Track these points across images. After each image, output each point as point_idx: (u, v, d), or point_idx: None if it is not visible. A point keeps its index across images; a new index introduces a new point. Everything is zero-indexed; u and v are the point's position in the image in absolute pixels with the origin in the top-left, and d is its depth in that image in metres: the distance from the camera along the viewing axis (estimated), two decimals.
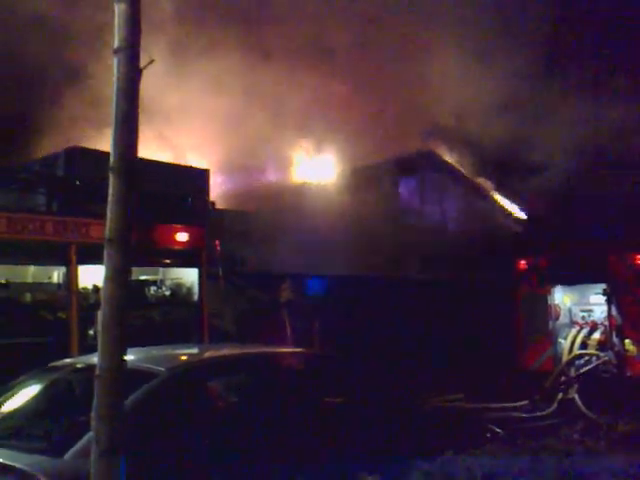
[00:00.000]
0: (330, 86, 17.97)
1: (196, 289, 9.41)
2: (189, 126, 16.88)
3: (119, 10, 2.96)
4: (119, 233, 2.92)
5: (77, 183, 9.13)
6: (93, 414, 2.96)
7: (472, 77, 18.38)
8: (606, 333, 10.69)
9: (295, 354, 6.29)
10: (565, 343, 11.02)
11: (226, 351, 6.34)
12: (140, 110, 2.97)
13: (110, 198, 2.95)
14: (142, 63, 2.97)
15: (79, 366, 5.35)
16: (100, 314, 2.99)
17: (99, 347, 2.99)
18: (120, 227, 2.91)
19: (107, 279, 2.97)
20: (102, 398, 2.94)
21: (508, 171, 20.69)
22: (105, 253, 3.00)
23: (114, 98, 2.95)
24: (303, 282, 13.39)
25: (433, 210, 20.49)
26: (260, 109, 17.60)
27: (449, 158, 21.34)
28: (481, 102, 18.60)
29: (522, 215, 22.41)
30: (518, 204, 22.64)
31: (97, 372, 2.97)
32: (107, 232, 2.97)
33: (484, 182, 21.54)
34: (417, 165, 20.06)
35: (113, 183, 2.94)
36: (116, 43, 2.96)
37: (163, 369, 4.78)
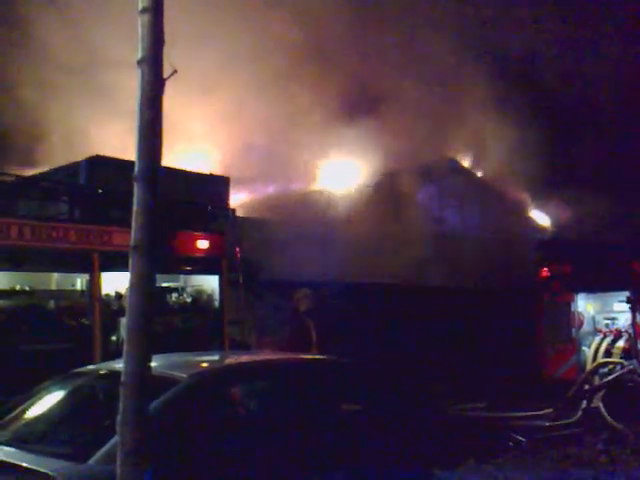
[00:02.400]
0: (352, 93, 18.00)
1: (217, 296, 9.46)
2: (209, 133, 17.00)
3: (142, 21, 3.00)
4: (144, 240, 2.95)
5: (99, 191, 9.23)
6: (118, 419, 2.98)
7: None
8: (630, 341, 10.56)
9: (316, 361, 6.29)
10: (589, 351, 10.91)
11: (247, 358, 6.35)
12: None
13: (135, 207, 2.99)
14: (165, 73, 3.01)
15: (102, 372, 5.39)
16: (125, 321, 3.02)
17: (124, 353, 3.02)
18: (145, 235, 2.95)
19: (132, 286, 3.00)
20: (127, 404, 2.96)
21: (534, 180, 20.63)
22: (130, 260, 3.03)
23: (138, 108, 2.99)
24: (323, 290, 13.38)
25: (454, 217, 20.41)
26: (282, 117, 17.67)
27: (470, 165, 21.28)
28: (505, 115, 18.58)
29: (546, 222, 22.28)
30: (543, 212, 22.51)
31: (122, 378, 3.00)
32: (132, 240, 3.01)
33: (507, 190, 21.44)
34: (437, 172, 20.01)
35: (138, 192, 2.97)
36: (139, 54, 3.00)
37: (185, 375, 4.80)
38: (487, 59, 19.37)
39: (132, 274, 3.02)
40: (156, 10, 2.96)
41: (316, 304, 9.54)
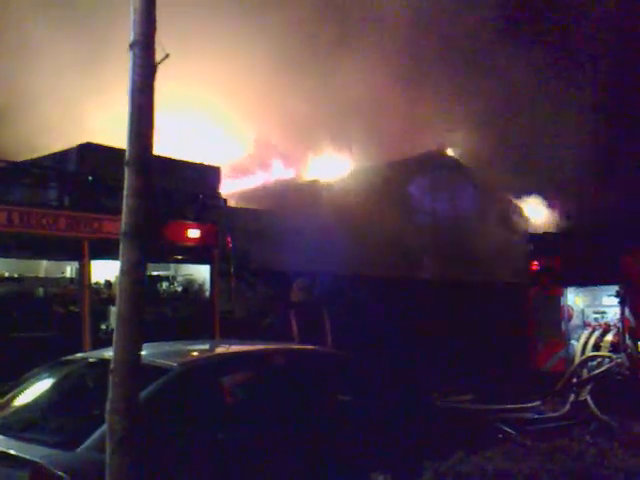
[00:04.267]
0: (344, 85, 17.98)
1: (207, 285, 9.43)
2: (201, 122, 16.94)
3: (135, 5, 2.95)
4: (135, 227, 2.91)
5: (90, 178, 9.15)
6: (108, 407, 2.96)
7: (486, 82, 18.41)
8: (619, 335, 10.61)
9: (306, 351, 6.28)
10: (577, 345, 10.95)
11: (237, 347, 6.34)
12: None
13: (126, 192, 2.95)
14: (157, 58, 2.96)
15: (92, 360, 5.36)
16: (115, 308, 2.98)
17: (114, 340, 2.99)
18: (136, 221, 2.91)
19: (123, 273, 2.97)
20: (117, 391, 2.94)
21: (523, 171, 20.67)
22: (121, 247, 3.00)
23: (129, 93, 2.95)
24: (314, 280, 13.35)
25: (444, 210, 20.43)
26: (276, 107, 17.63)
27: (461, 158, 21.30)
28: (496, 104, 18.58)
29: (537, 216, 22.34)
30: (533, 205, 22.58)
31: (112, 365, 2.97)
32: (123, 226, 2.97)
33: (499, 182, 21.46)
34: (429, 164, 20.01)
35: (129, 178, 2.93)
36: (131, 38, 2.96)
37: (175, 364, 4.78)
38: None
39: (122, 260, 2.99)
40: None
41: (309, 295, 9.54)
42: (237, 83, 17.34)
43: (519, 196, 22.27)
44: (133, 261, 2.95)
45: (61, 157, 11.63)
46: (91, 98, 15.72)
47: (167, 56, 2.95)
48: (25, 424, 4.66)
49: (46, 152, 12.10)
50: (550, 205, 21.82)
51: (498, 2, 19.86)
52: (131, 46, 2.95)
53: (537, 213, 22.48)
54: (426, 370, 11.07)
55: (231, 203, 14.55)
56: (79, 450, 3.92)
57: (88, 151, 11.46)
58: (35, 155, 12.23)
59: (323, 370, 5.71)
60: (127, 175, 2.95)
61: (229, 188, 15.95)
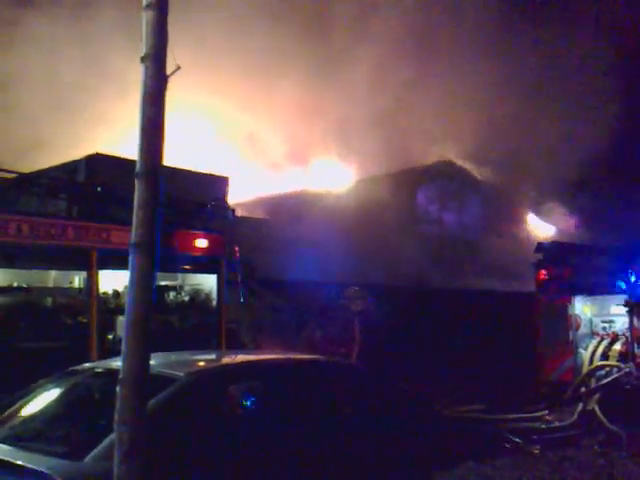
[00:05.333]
0: (350, 95, 18.02)
1: (215, 295, 9.44)
2: (208, 131, 17.01)
3: (147, 18, 2.98)
4: (144, 238, 2.92)
5: (98, 189, 9.20)
6: (116, 417, 2.96)
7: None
8: (627, 344, 10.55)
9: (314, 362, 6.27)
10: (585, 354, 10.89)
11: (244, 357, 6.33)
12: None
13: (136, 203, 2.96)
14: (168, 70, 2.99)
15: (99, 370, 5.36)
16: (123, 318, 2.99)
17: (122, 351, 2.99)
18: (145, 232, 2.92)
19: (132, 283, 2.98)
20: (125, 402, 2.94)
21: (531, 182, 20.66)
22: (130, 258, 3.01)
23: (140, 104, 2.97)
24: (321, 290, 13.36)
25: (452, 219, 20.41)
26: (281, 119, 17.69)
27: (469, 167, 21.30)
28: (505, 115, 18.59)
29: (545, 225, 22.30)
30: (541, 214, 22.54)
31: (120, 376, 2.97)
32: (132, 237, 2.98)
33: (505, 192, 21.45)
34: (436, 174, 20.02)
35: (139, 188, 2.95)
36: (143, 50, 2.98)
37: (182, 374, 4.78)
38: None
39: (132, 271, 3.00)
40: (160, 7, 2.94)
41: (369, 305, 9.64)
42: (244, 94, 17.42)
43: (527, 205, 22.24)
44: (142, 272, 2.96)
45: (69, 168, 11.70)
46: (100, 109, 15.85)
47: (178, 68, 2.97)
48: (33, 434, 4.66)
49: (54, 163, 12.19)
50: (559, 214, 21.78)
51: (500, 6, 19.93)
52: (142, 59, 2.98)
53: (545, 222, 22.43)
54: (435, 379, 11.05)
55: (238, 213, 14.59)
56: (86, 460, 3.92)
57: (96, 162, 11.52)
58: (43, 167, 12.31)
59: (330, 380, 5.70)
60: (137, 186, 2.97)
61: (237, 198, 15.98)
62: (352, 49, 17.88)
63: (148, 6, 2.94)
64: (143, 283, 2.96)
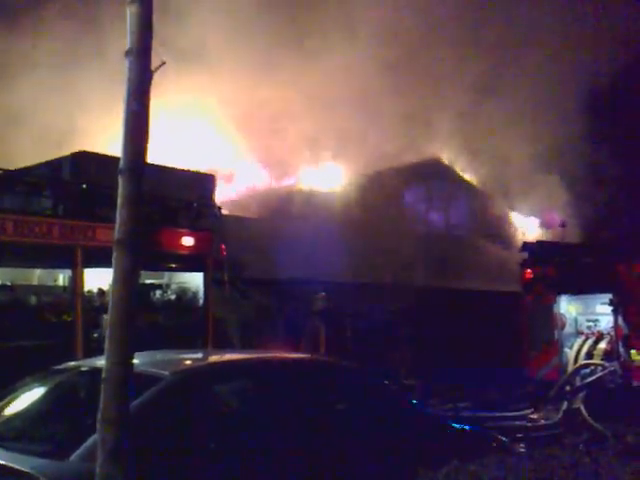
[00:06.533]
0: (338, 93, 18.02)
1: (201, 294, 9.40)
2: (197, 129, 16.95)
3: (131, 12, 2.95)
4: (128, 235, 2.90)
5: (83, 187, 9.13)
6: (99, 417, 2.93)
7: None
8: (612, 343, 10.63)
9: (299, 360, 6.26)
10: (571, 353, 10.96)
11: (231, 356, 6.31)
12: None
13: (120, 200, 2.93)
14: (153, 65, 2.96)
15: (83, 369, 5.32)
16: (107, 316, 2.96)
17: (106, 349, 2.97)
18: (129, 229, 2.89)
19: (116, 281, 2.95)
20: (108, 401, 2.91)
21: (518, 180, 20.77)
22: (114, 255, 2.98)
23: (125, 100, 2.94)
24: (310, 289, 13.36)
25: (439, 218, 20.48)
26: (268, 116, 17.66)
27: (457, 167, 21.38)
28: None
29: (531, 224, 22.43)
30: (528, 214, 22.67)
31: (104, 375, 2.95)
32: (116, 234, 2.95)
33: (493, 191, 21.55)
34: (424, 173, 20.08)
35: (123, 185, 2.92)
36: (128, 45, 2.95)
37: (167, 373, 4.75)
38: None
39: (116, 268, 2.97)
40: (145, 1, 2.92)
41: (330, 305, 9.67)
42: (233, 91, 17.38)
43: (513, 204, 22.37)
44: (126, 269, 2.93)
45: (55, 165, 11.62)
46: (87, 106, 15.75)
47: (164, 63, 2.95)
48: (16, 434, 4.62)
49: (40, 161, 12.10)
50: (544, 214, 21.91)
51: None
52: (127, 53, 2.95)
53: (530, 221, 22.57)
54: (422, 378, 11.09)
55: (226, 211, 14.55)
56: (71, 459, 3.89)
57: (82, 159, 11.44)
58: (29, 164, 12.21)
59: (317, 378, 5.69)
60: (121, 182, 2.94)
61: (224, 196, 15.94)
62: (339, 49, 17.91)
63: (132, 0, 2.92)
64: (127, 281, 2.93)
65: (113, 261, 3.00)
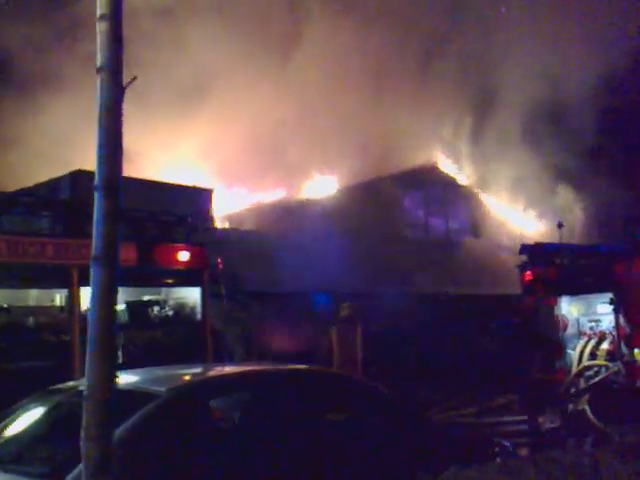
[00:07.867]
0: (333, 101, 18.09)
1: (199, 308, 9.37)
2: (191, 144, 17.01)
3: (101, 28, 2.95)
4: (105, 251, 2.89)
5: (79, 206, 9.13)
6: (82, 435, 2.92)
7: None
8: (614, 343, 10.55)
9: (297, 371, 6.22)
10: (574, 354, 10.89)
11: (229, 369, 6.27)
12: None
13: (95, 216, 2.94)
14: (125, 81, 2.97)
15: (81, 389, 5.27)
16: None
17: (87, 367, 2.96)
18: (106, 245, 2.89)
19: (94, 297, 2.95)
20: (91, 418, 2.90)
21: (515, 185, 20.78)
22: (91, 272, 2.98)
23: (97, 117, 2.95)
24: (310, 299, 13.35)
25: (437, 224, 20.47)
26: (264, 127, 17.72)
27: (453, 172, 21.40)
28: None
29: (530, 227, 22.39)
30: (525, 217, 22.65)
31: (85, 392, 2.94)
32: (93, 250, 2.96)
33: (491, 196, 21.54)
34: (421, 179, 20.09)
35: (98, 202, 2.92)
36: (98, 62, 2.96)
37: (163, 389, 4.73)
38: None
39: (93, 286, 2.97)
40: (114, 17, 2.92)
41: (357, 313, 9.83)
42: (227, 105, 17.46)
43: (511, 206, 22.36)
44: (104, 286, 2.92)
45: (53, 185, 11.66)
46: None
47: (135, 78, 2.96)
48: (13, 455, 4.60)
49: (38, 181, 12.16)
50: (541, 214, 21.89)
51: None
52: (98, 70, 2.96)
53: (529, 223, 22.53)
54: (426, 384, 11.04)
55: (228, 225, 14.58)
56: None
57: (80, 179, 11.48)
58: (27, 184, 12.27)
59: (315, 389, 5.66)
60: (96, 199, 2.94)
61: (221, 210, 15.97)
62: (329, 58, 18.00)
63: (102, 17, 2.92)
64: (105, 298, 2.92)
65: (90, 278, 3.00)
